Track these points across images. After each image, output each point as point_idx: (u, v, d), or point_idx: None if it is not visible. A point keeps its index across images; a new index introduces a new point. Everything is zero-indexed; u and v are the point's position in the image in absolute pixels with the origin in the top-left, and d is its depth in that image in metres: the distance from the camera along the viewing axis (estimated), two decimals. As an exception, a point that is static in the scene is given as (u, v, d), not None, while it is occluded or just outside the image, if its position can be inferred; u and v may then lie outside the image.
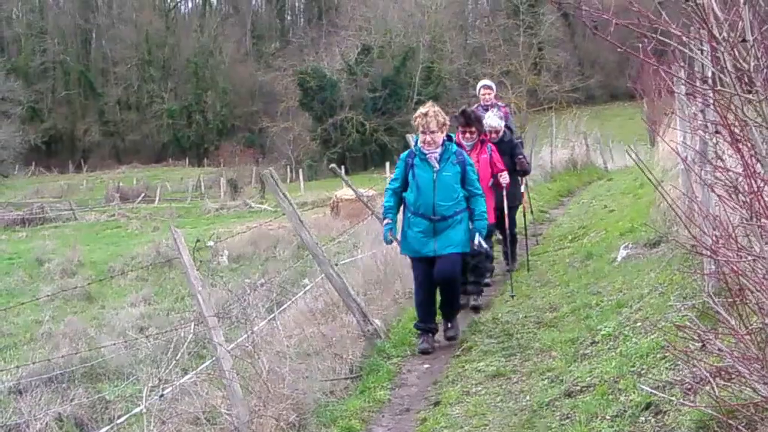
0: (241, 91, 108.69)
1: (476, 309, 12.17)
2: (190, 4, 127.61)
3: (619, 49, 4.52)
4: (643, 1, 4.65)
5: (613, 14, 4.45)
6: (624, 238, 13.64)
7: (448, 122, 10.61)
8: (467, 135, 12.80)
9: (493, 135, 13.97)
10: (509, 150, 14.13)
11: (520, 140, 16.11)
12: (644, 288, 9.83)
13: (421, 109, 10.57)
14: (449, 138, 10.64)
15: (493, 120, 14.12)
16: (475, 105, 15.79)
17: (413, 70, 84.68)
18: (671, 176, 13.08)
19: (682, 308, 7.87)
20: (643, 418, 6.29)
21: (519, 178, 14.73)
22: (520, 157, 14.39)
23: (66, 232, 46.36)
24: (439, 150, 10.39)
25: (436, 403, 8.51)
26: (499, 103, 16.19)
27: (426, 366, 9.82)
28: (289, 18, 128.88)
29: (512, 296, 12.52)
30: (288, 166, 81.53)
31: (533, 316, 11.05)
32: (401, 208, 10.82)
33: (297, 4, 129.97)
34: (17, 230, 49.46)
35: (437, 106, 10.66)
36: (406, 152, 10.81)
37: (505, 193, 13.39)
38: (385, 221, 10.63)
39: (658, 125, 13.92)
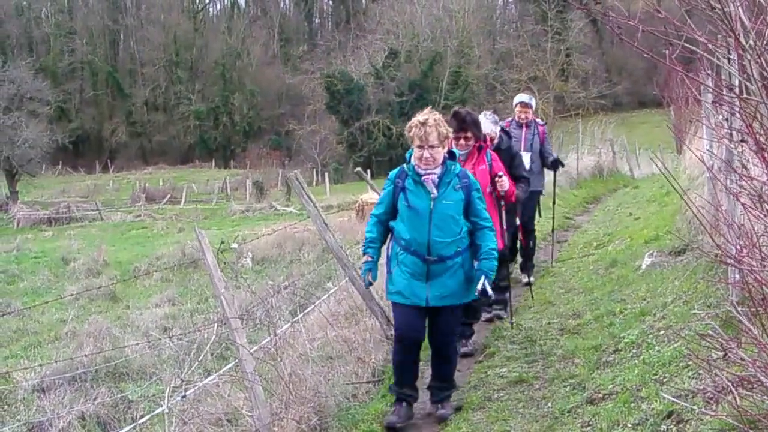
0: (268, 93, 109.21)
1: (466, 356, 10.25)
2: (218, 6, 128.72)
3: (645, 55, 4.51)
4: (671, 9, 4.64)
5: (640, 21, 4.45)
6: (649, 246, 13.59)
7: (451, 135, 8.33)
8: (462, 141, 10.18)
9: (487, 143, 11.20)
10: (507, 160, 11.33)
11: (553, 156, 14.59)
12: (668, 296, 9.79)
13: (419, 117, 8.17)
14: (451, 155, 8.29)
15: (485, 125, 11.22)
16: (508, 119, 14.19)
17: (440, 74, 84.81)
18: (697, 185, 13.03)
19: (706, 317, 7.84)
20: (665, 427, 6.27)
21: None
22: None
23: (92, 231, 46.61)
24: (438, 170, 8.10)
25: (458, 409, 8.49)
26: (538, 120, 14.59)
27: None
28: (317, 21, 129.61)
29: (511, 324, 11.04)
30: (314, 169, 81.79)
31: (556, 322, 11.03)
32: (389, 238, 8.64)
33: (325, 8, 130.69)
34: (44, 229, 49.82)
35: (438, 114, 8.28)
36: (396, 170, 8.45)
37: (507, 207, 10.83)
38: (364, 258, 8.41)
39: (684, 133, 13.75)
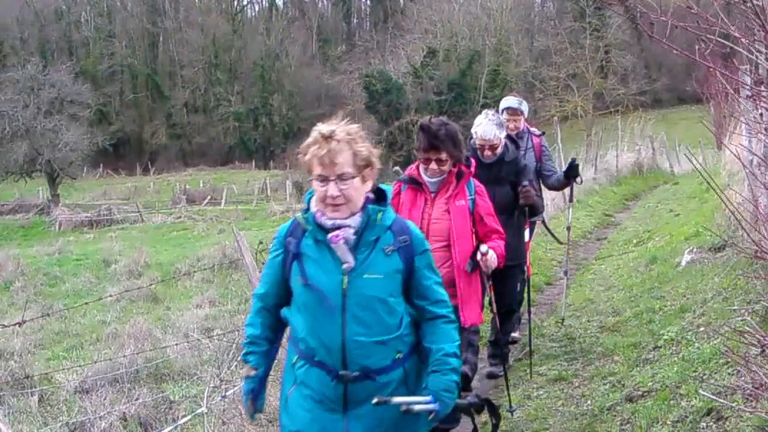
0: (307, 94, 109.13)
1: None
2: (256, 8, 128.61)
3: (675, 52, 4.49)
4: (705, 4, 4.62)
5: (674, 16, 4.42)
6: (689, 243, 13.54)
7: (376, 161, 4.63)
8: (433, 165, 6.96)
9: (487, 152, 8.69)
10: (513, 174, 8.73)
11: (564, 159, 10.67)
12: (708, 293, 9.75)
13: (320, 128, 4.51)
14: (379, 195, 4.75)
15: (486, 129, 8.62)
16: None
17: (479, 73, 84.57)
18: (737, 180, 12.96)
19: (745, 313, 7.80)
20: (704, 424, 6.26)
21: (523, 218, 8.98)
22: (525, 184, 8.57)
23: (133, 233, 46.70)
24: (354, 221, 4.56)
25: (498, 407, 8.49)
26: (533, 130, 11.00)
27: (488, 369, 9.73)
28: (355, 21, 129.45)
29: (511, 411, 7.98)
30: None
31: (596, 320, 11.00)
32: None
33: (363, 8, 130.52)
34: (85, 231, 49.94)
35: (355, 126, 4.61)
36: (287, 225, 4.86)
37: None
38: (245, 370, 5.08)
39: (724, 129, 13.62)
